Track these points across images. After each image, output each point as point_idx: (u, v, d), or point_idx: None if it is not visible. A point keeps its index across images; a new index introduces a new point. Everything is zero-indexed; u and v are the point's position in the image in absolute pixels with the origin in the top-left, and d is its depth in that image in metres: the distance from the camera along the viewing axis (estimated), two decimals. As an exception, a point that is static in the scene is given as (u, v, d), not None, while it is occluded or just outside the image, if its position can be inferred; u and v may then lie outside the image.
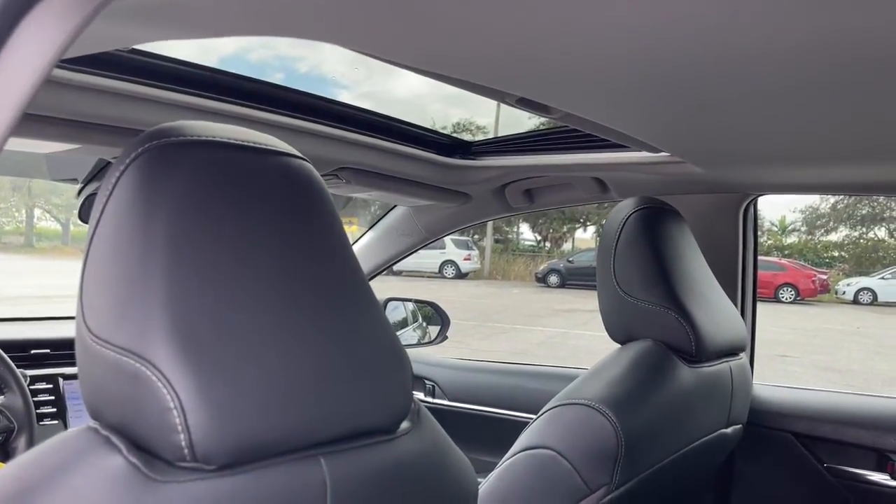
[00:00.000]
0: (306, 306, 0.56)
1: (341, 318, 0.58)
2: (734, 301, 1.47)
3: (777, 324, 11.74)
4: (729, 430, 1.24)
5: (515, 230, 26.31)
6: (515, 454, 1.08)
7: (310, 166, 0.61)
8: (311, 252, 0.58)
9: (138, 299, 0.50)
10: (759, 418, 1.44)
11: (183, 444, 0.48)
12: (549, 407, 1.08)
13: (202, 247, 0.52)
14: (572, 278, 17.64)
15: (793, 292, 17.21)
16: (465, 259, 19.41)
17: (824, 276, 18.30)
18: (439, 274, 18.48)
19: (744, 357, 1.30)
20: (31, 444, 1.24)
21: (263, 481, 0.51)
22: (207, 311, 0.50)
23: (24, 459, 0.50)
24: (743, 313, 1.53)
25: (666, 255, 1.14)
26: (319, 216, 0.60)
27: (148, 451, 0.49)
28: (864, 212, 22.86)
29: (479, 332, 9.36)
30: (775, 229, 24.79)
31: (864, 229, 23.24)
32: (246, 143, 0.57)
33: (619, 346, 1.17)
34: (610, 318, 1.18)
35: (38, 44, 0.41)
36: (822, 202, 23.27)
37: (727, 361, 1.22)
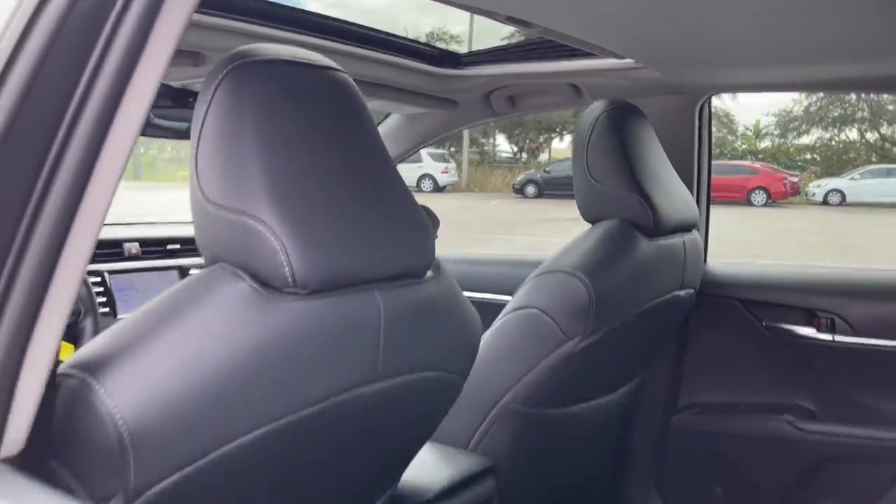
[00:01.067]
0: (359, 179, 0.77)
1: (383, 190, 0.79)
2: (690, 189, 1.70)
3: (749, 226, 12.17)
4: (682, 293, 1.48)
5: (492, 142, 26.28)
6: (506, 314, 1.32)
7: (349, 77, 0.81)
8: (358, 141, 0.78)
9: (243, 175, 0.69)
10: (711, 288, 1.69)
11: (287, 275, 0.68)
12: (533, 275, 1.31)
13: (283, 137, 0.72)
14: (549, 188, 17.83)
15: (764, 195, 17.59)
16: (443, 172, 19.43)
17: (795, 179, 18.68)
18: (416, 188, 18.52)
19: (696, 233, 1.53)
20: (96, 324, 1.45)
21: (339, 304, 0.73)
22: (293, 181, 0.71)
23: (175, 288, 0.70)
24: (698, 200, 1.75)
25: (631, 147, 1.35)
26: (360, 114, 0.80)
27: (262, 281, 0.70)
28: (835, 114, 23.10)
29: (459, 244, 9.62)
30: (749, 133, 25.03)
31: (836, 131, 23.54)
32: (306, 61, 0.76)
33: (590, 225, 1.39)
34: (583, 203, 1.40)
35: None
36: (794, 105, 23.44)
37: (681, 236, 1.45)
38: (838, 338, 1.59)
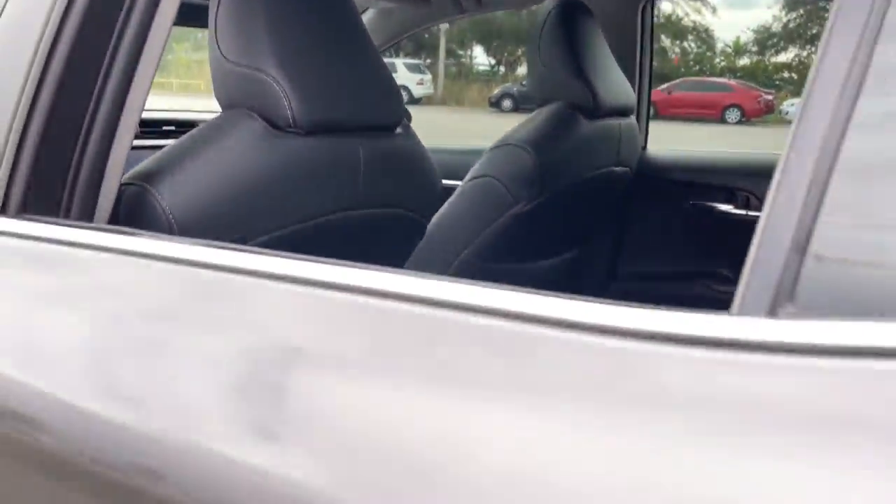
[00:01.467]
0: (344, 49, 0.97)
1: (364, 60, 1.00)
2: (632, 82, 1.91)
3: (720, 143, 12.39)
4: (617, 169, 1.72)
5: (469, 54, 25.90)
6: (466, 182, 1.55)
7: None
8: (344, 18, 0.99)
9: (255, 40, 0.90)
10: (648, 170, 1.93)
11: (289, 116, 0.90)
12: (489, 149, 1.54)
13: (286, 11, 0.92)
14: (526, 102, 17.69)
15: (738, 113, 17.76)
16: (418, 83, 19.07)
17: (770, 97, 18.81)
18: (393, 99, 18.22)
19: (632, 119, 1.76)
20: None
21: (328, 144, 0.95)
22: (293, 46, 0.91)
23: (204, 125, 0.92)
24: (640, 94, 1.97)
25: (576, 39, 1.55)
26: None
27: (269, 121, 0.91)
28: (814, 31, 23.03)
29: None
30: (729, 50, 24.93)
31: (814, 48, 23.49)
32: None
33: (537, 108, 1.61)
34: (533, 86, 1.61)
35: None
36: (774, 21, 23.35)
37: (618, 119, 1.67)
38: (751, 213, 1.85)
